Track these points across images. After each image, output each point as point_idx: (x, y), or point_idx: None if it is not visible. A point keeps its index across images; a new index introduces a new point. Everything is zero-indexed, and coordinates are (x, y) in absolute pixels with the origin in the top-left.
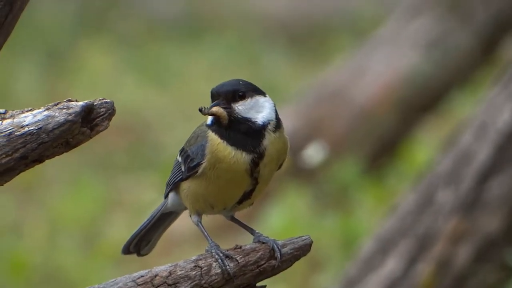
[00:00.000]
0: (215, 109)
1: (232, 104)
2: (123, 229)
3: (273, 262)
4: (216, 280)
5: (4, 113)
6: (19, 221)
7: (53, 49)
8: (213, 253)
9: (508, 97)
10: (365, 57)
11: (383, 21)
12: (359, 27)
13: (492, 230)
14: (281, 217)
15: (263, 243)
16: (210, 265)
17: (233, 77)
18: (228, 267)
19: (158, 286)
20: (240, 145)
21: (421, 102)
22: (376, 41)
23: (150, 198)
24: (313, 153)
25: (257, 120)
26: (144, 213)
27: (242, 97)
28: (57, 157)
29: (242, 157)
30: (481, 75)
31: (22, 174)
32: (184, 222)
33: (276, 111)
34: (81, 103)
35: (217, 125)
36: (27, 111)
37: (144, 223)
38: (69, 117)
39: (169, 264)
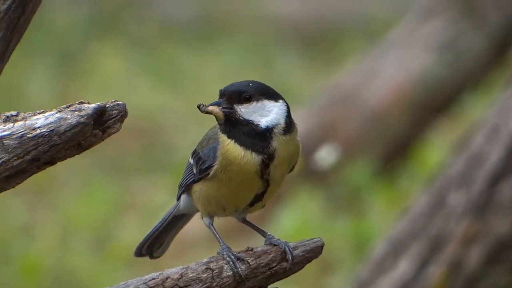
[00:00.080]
0: (211, 107)
1: (235, 105)
2: (135, 231)
3: (284, 264)
4: (227, 283)
5: (16, 115)
6: (30, 224)
7: (65, 51)
8: (225, 255)
9: None
10: (377, 60)
11: (395, 23)
12: (372, 29)
13: (504, 232)
14: (293, 219)
15: (275, 245)
16: (222, 267)
17: (245, 80)
18: (239, 269)
19: None
20: (249, 145)
21: (433, 104)
22: (388, 43)
23: (162, 200)
24: (325, 155)
25: (259, 123)
26: (156, 215)
27: (248, 99)
28: (69, 159)
29: (252, 158)
30: (494, 77)
31: (33, 176)
32: (196, 224)
33: (287, 116)
34: (93, 105)
35: (225, 124)
36: (39, 113)
37: (157, 225)
38: (81, 119)
39: (181, 267)
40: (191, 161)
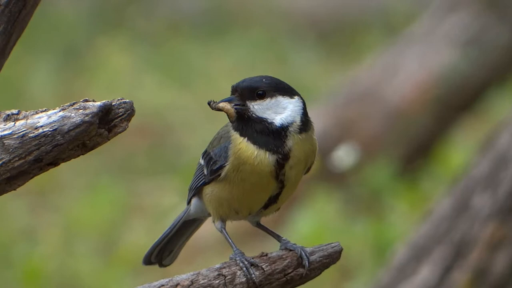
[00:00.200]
0: (222, 104)
1: (248, 102)
2: (143, 235)
3: (300, 270)
4: None
5: (17, 114)
6: (33, 227)
7: (69, 47)
8: (238, 261)
9: None
10: (398, 55)
11: (417, 17)
12: (392, 23)
13: None
14: (310, 223)
15: (290, 250)
16: (235, 273)
17: (259, 75)
18: (253, 275)
19: None
20: (263, 144)
21: (457, 101)
22: (409, 38)
23: (171, 203)
24: (344, 155)
25: (274, 121)
26: (165, 219)
27: (261, 96)
28: (73, 160)
29: (266, 158)
30: None
31: (36, 178)
32: (207, 228)
33: (303, 113)
34: (98, 103)
35: (237, 121)
36: (41, 111)
37: (166, 231)
38: (86, 118)
39: (191, 273)
40: (202, 161)
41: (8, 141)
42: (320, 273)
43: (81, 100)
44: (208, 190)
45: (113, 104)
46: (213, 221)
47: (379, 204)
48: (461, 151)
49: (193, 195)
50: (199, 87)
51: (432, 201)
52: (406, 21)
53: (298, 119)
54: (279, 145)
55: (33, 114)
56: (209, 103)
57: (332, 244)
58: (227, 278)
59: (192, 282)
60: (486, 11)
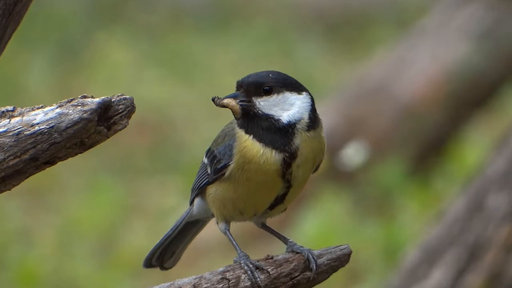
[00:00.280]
0: (226, 100)
1: (254, 98)
2: (143, 237)
3: (308, 273)
4: None
5: (13, 111)
6: (29, 228)
7: (66, 41)
8: (242, 264)
9: None
10: (409, 49)
11: (429, 9)
12: (403, 16)
13: None
14: (317, 224)
15: (297, 253)
16: (239, 277)
17: (265, 70)
18: (258, 279)
19: None
20: (268, 142)
21: (471, 97)
22: (421, 31)
23: (173, 203)
24: (353, 154)
25: (281, 118)
26: (166, 220)
27: (268, 92)
28: (70, 159)
29: (272, 156)
30: None
31: (32, 177)
32: (210, 229)
33: (312, 110)
34: (97, 99)
35: (242, 118)
36: (37, 108)
37: (168, 233)
38: (84, 114)
39: (194, 276)
40: (205, 160)
41: (3, 139)
42: (328, 276)
43: (79, 96)
44: (212, 190)
45: (112, 100)
46: (217, 222)
47: (389, 205)
48: (476, 149)
49: (196, 195)
50: (202, 82)
51: (445, 201)
52: (418, 13)
53: (306, 116)
54: (286, 143)
55: (29, 111)
56: (213, 100)
57: (341, 247)
58: (231, 282)
59: (194, 286)
60: (501, 3)
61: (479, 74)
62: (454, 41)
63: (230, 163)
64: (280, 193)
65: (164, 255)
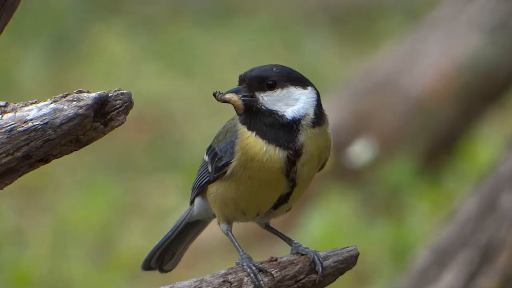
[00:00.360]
0: (228, 95)
1: (257, 93)
2: (141, 238)
3: (313, 276)
4: None
5: (5, 106)
6: (22, 229)
7: (62, 34)
8: (245, 267)
9: None
10: (419, 42)
11: (439, 1)
12: (412, 7)
13: None
14: (323, 225)
15: (302, 254)
16: (241, 280)
17: (268, 64)
18: (261, 282)
19: None
20: (272, 139)
21: (484, 91)
22: (431, 23)
23: (173, 203)
24: (360, 151)
25: (285, 113)
26: (166, 220)
27: (272, 86)
28: (65, 157)
29: (275, 154)
30: None
31: (25, 176)
32: (211, 230)
33: (317, 105)
34: (93, 94)
35: (245, 114)
36: (31, 103)
37: (167, 234)
38: (80, 110)
39: (194, 279)
40: (206, 158)
41: None
42: (335, 279)
43: (75, 91)
44: (213, 189)
45: (109, 95)
46: (218, 223)
47: (398, 204)
48: (488, 145)
49: (197, 195)
50: (202, 76)
51: (456, 201)
52: (428, 5)
53: (311, 112)
54: (290, 140)
55: (22, 106)
56: (214, 95)
57: (348, 248)
58: (233, 285)
59: None
60: None
61: (491, 67)
62: (465, 33)
63: (231, 161)
64: (284, 192)
65: (163, 257)
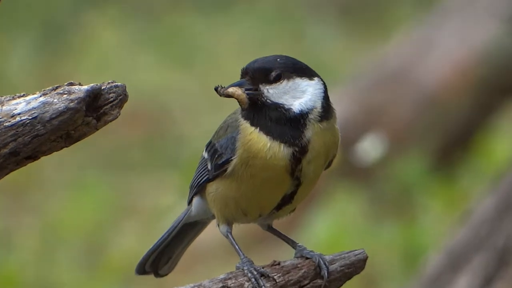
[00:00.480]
0: (231, 89)
1: (261, 86)
2: (135, 240)
3: (319, 281)
4: None
5: None
6: (8, 230)
7: (52, 22)
8: (246, 271)
9: None
10: (432, 31)
11: None
12: None
13: None
14: (329, 226)
15: (307, 258)
16: (242, 285)
17: (272, 54)
18: (263, 287)
19: None
20: (277, 135)
21: (502, 84)
22: (446, 10)
23: (170, 203)
24: (369, 147)
25: (291, 107)
26: (162, 221)
27: (277, 78)
28: (55, 154)
29: (280, 150)
30: None
31: (12, 174)
32: (210, 232)
33: (324, 98)
34: (85, 87)
35: (249, 109)
36: (19, 96)
37: (163, 236)
38: (71, 104)
39: (192, 284)
40: (205, 155)
41: None
42: (341, 285)
43: (66, 84)
44: (212, 188)
45: (102, 88)
46: (218, 224)
47: (409, 204)
48: (506, 141)
49: (195, 194)
50: (203, 67)
51: (472, 200)
52: None
53: (319, 105)
54: (296, 136)
55: (9, 99)
56: (216, 89)
57: (356, 252)
58: None
59: None
60: None
61: (510, 58)
62: (482, 21)
63: (232, 158)
64: (288, 191)
65: (159, 261)
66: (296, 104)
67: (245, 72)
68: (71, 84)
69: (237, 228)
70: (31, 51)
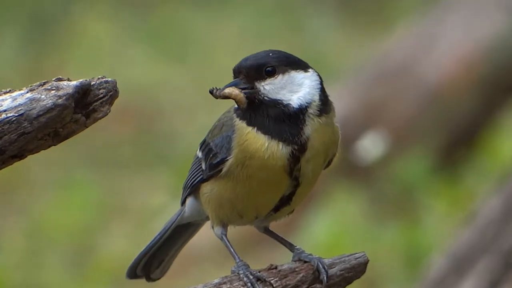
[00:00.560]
0: (228, 90)
1: (257, 83)
2: (126, 242)
3: (317, 286)
4: None
5: None
6: None
7: (40, 14)
8: (241, 275)
9: None
10: (436, 23)
11: None
12: None
13: None
14: (329, 228)
15: (305, 261)
16: None
17: (268, 49)
18: None
19: None
20: (275, 133)
21: (509, 80)
22: (451, 2)
23: (162, 204)
24: (370, 145)
25: (290, 102)
26: (154, 223)
27: (271, 73)
28: (43, 152)
29: (278, 150)
30: None
31: None
32: (204, 234)
33: (322, 91)
34: (74, 82)
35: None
36: (4, 92)
37: (155, 238)
38: (59, 100)
39: None
40: (200, 154)
41: None
42: None
43: (54, 79)
44: (207, 188)
45: (92, 83)
46: (212, 226)
47: (412, 205)
48: None
49: (189, 194)
50: (197, 62)
51: (477, 201)
52: None
53: (317, 98)
54: (295, 133)
55: None
56: (211, 92)
57: (356, 255)
58: None
59: None
60: None
61: None
62: (489, 14)
63: (228, 157)
64: (286, 192)
65: (150, 264)
66: (295, 99)
67: (238, 71)
68: (59, 79)
69: (232, 230)
70: (17, 44)
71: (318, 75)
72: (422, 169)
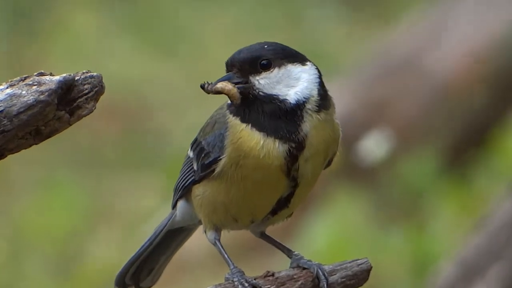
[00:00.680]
0: (221, 85)
1: (251, 77)
2: (113, 248)
3: None
4: None
5: None
6: None
7: (19, 4)
8: (236, 283)
9: None
10: (445, 15)
11: None
12: None
13: None
14: (329, 232)
15: (304, 268)
16: None
17: (264, 41)
18: None
19: None
20: (271, 131)
21: None
22: None
23: (152, 207)
24: (374, 146)
25: (287, 97)
26: (143, 227)
27: (266, 67)
28: (23, 152)
29: (274, 148)
30: None
31: None
32: (196, 239)
33: (320, 85)
34: (57, 77)
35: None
36: None
37: (145, 244)
38: (41, 96)
39: None
40: (191, 154)
41: None
42: None
43: (35, 74)
44: (199, 190)
45: (76, 78)
46: (205, 231)
47: (418, 209)
48: None
49: (180, 197)
50: (188, 55)
51: (488, 205)
52: None
53: (315, 93)
54: (292, 130)
55: None
56: (202, 87)
57: (358, 261)
58: None
59: None
60: None
61: None
62: (501, 5)
63: (221, 157)
64: (284, 194)
65: (140, 272)
66: (292, 94)
67: (231, 65)
68: (41, 74)
69: (226, 234)
70: None
71: (317, 68)
72: (429, 171)
